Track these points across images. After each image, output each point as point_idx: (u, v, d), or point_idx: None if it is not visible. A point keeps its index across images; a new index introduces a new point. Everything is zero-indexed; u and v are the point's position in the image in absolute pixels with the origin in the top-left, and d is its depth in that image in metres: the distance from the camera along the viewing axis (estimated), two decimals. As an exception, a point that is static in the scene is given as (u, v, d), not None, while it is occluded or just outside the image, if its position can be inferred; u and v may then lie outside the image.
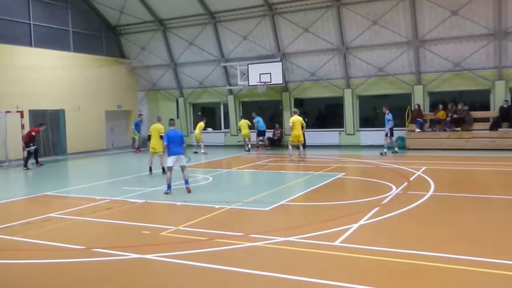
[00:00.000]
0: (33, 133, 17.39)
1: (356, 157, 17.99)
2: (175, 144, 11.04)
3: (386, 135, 18.57)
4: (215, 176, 13.93)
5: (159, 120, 15.13)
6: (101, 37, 25.34)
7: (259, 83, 22.69)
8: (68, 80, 22.58)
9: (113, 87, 25.25)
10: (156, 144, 14.28)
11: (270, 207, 9.09)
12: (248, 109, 24.93)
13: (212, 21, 23.67)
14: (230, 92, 25.10)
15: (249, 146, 21.59)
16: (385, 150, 18.45)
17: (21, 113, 18.53)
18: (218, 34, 23.99)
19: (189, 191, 10.88)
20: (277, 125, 24.02)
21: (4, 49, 19.73)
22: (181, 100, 26.45)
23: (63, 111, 22.13)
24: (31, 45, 21.26)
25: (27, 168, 16.98)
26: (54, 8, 22.59)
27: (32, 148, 17.29)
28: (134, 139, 23.54)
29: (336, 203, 9.43)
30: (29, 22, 21.34)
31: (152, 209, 9.66)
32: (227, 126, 25.97)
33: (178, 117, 26.43)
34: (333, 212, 8.61)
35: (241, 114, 24.79)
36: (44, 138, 21.06)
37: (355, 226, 7.31)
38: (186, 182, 11.07)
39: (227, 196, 10.45)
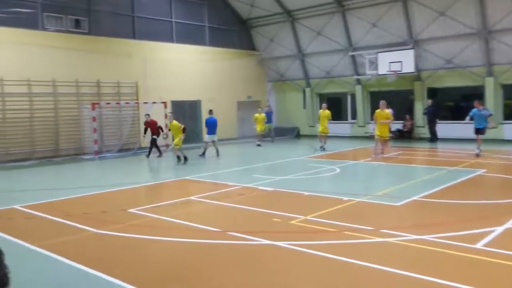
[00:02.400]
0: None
1: (498, 153, 16.39)
2: (212, 127, 17.72)
3: (482, 133, 15.67)
4: (342, 168, 13.83)
5: (173, 117, 16.67)
6: (234, 30, 26.58)
7: (389, 72, 21.83)
8: (204, 73, 24.17)
9: (244, 79, 26.39)
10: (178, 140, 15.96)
11: (401, 202, 8.78)
12: (377, 99, 24.12)
13: (341, 9, 23.32)
14: (358, 82, 24.57)
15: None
16: (478, 150, 15.69)
17: (165, 103, 20.39)
18: (346, 23, 23.58)
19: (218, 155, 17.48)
20: (407, 116, 22.92)
21: (150, 46, 21.81)
22: (308, 90, 26.63)
23: (199, 101, 23.80)
24: (172, 41, 23.17)
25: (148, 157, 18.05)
26: (193, 5, 24.29)
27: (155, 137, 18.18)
28: (269, 130, 23.70)
29: (476, 202, 8.75)
30: (171, 20, 23.27)
31: (281, 197, 9.96)
32: (354, 116, 25.52)
33: (304, 108, 26.69)
34: (473, 212, 8.01)
35: (324, 102, 21.49)
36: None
37: (500, 229, 6.72)
38: (217, 152, 17.61)
39: (355, 188, 10.34)
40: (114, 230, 7.30)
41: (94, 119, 18.37)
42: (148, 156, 17.87)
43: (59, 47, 18.37)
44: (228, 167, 15.02)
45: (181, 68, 22.94)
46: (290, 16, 25.28)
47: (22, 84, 17.31)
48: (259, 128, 21.78)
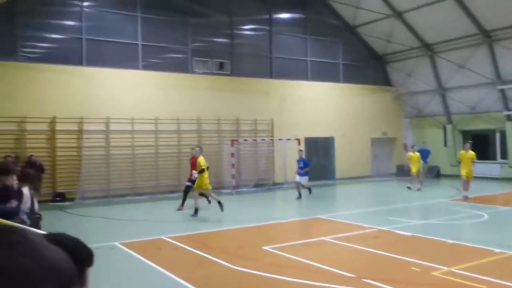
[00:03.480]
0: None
1: None
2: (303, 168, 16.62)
3: None
4: (491, 214, 12.47)
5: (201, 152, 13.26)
6: (368, 66, 26.27)
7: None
8: (337, 109, 24.17)
9: (378, 115, 25.76)
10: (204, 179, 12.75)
11: None
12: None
13: (487, 40, 21.60)
14: (509, 118, 22.23)
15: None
16: None
17: (299, 140, 20.81)
18: (494, 54, 21.71)
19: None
20: None
21: (286, 84, 22.59)
22: (449, 127, 24.89)
23: (332, 138, 23.79)
24: (307, 79, 23.73)
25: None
26: (327, 44, 24.71)
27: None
28: (419, 170, 19.23)
29: None
30: (306, 59, 23.93)
31: (420, 244, 9.31)
32: (504, 156, 23.04)
33: (445, 145, 24.96)
34: None
35: (467, 142, 18.04)
36: (316, 164, 23.09)
37: None
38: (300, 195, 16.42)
39: (508, 239, 9.22)
40: (249, 267, 7.52)
41: (232, 155, 19.46)
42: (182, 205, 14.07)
43: (204, 88, 20.06)
44: (362, 207, 14.58)
45: (315, 105, 23.27)
46: (429, 49, 24.18)
47: (173, 123, 19.19)
48: (414, 169, 18.93)
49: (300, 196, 16.46)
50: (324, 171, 23.52)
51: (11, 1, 16.52)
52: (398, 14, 23.22)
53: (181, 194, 14.50)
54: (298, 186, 16.56)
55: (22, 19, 16.81)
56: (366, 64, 26.18)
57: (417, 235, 9.82)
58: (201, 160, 12.84)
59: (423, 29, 23.48)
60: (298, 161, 16.98)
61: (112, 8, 18.67)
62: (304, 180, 16.60)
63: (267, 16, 22.64)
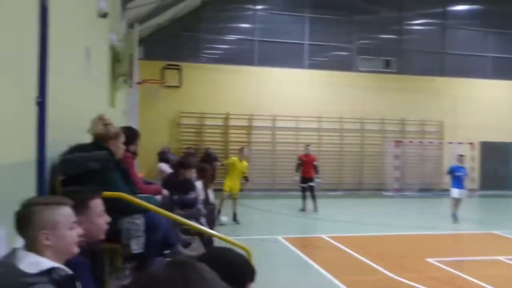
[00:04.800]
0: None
1: None
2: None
3: None
4: None
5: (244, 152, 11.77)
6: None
7: None
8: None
9: None
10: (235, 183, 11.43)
11: None
12: None
13: None
14: None
15: None
16: None
17: (472, 144, 18.97)
18: None
19: None
20: None
21: (460, 82, 20.72)
22: None
23: (513, 143, 21.09)
24: (486, 77, 21.39)
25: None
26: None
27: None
28: None
29: None
30: (485, 54, 21.55)
31: None
32: None
33: None
34: None
35: None
36: (493, 172, 20.77)
37: None
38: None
39: None
40: (411, 279, 7.17)
41: (396, 156, 18.73)
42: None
43: (369, 87, 19.63)
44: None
45: (494, 105, 20.85)
46: None
47: (336, 121, 19.27)
48: None
49: (456, 218, 12.42)
50: (503, 180, 20.98)
51: (198, 8, 18.50)
52: None
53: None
54: (459, 203, 12.43)
55: (205, 24, 18.73)
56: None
57: None
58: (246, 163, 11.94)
59: None
60: (459, 168, 12.61)
61: (282, 10, 19.51)
62: (465, 194, 12.72)
63: (440, 10, 21.09)
